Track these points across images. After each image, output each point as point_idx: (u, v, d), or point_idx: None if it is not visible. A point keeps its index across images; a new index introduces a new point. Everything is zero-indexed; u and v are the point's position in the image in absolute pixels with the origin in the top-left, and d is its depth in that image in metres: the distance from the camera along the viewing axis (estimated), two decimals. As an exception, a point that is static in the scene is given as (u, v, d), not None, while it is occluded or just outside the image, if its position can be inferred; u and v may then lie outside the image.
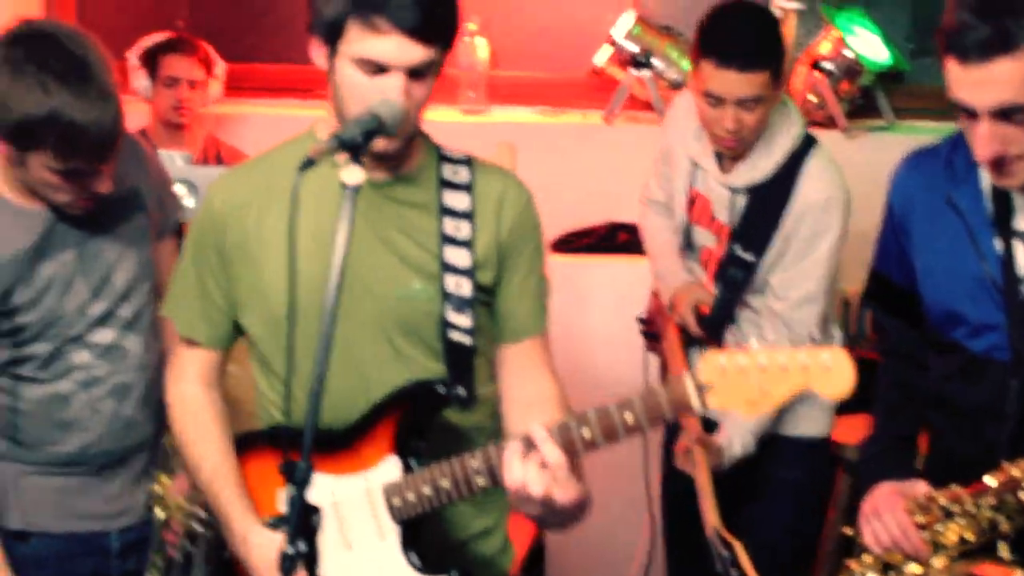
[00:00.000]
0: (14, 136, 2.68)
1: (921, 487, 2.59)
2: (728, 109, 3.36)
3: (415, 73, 2.34)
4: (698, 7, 5.01)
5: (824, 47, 4.92)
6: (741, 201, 3.51)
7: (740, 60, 3.31)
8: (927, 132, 4.86)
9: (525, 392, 2.55)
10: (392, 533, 2.40)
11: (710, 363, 2.13)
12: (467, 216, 2.49)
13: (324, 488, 2.39)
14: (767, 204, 3.46)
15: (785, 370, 2.09)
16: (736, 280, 3.51)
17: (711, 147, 3.54)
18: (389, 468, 2.41)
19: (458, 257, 2.46)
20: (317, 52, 2.43)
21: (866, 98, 5.05)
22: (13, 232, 2.83)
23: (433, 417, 2.44)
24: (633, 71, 5.01)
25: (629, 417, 2.20)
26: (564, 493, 2.25)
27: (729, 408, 2.14)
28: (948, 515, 2.54)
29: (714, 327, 3.55)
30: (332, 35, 2.35)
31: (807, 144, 3.50)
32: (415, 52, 2.32)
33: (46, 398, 2.91)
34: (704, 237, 3.62)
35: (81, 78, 2.65)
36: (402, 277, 2.46)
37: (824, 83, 4.87)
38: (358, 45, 2.32)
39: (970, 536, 2.52)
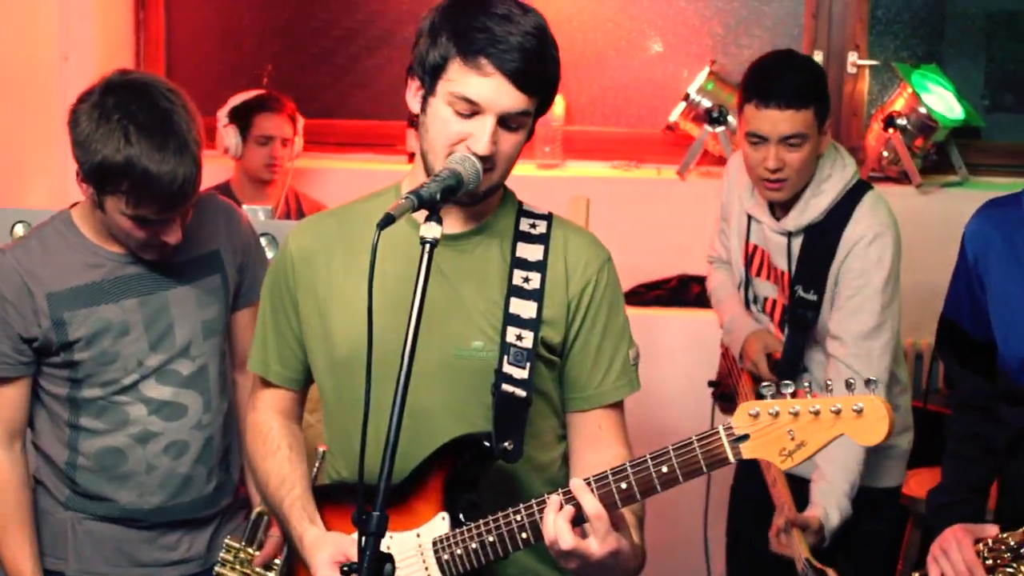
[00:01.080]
0: (93, 178, 2.77)
1: (992, 529, 2.57)
2: (771, 148, 3.41)
3: (507, 122, 2.34)
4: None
5: (899, 104, 4.94)
6: (797, 244, 3.53)
7: (780, 98, 3.38)
8: (1001, 188, 4.83)
9: (588, 463, 2.50)
10: None
11: (743, 413, 2.13)
12: (538, 267, 2.47)
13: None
14: (821, 243, 3.49)
15: (818, 418, 2.08)
16: (804, 322, 3.53)
17: (764, 198, 3.58)
18: (439, 523, 2.40)
19: (523, 308, 2.44)
20: (412, 94, 2.43)
21: (940, 154, 5.06)
22: (81, 267, 2.92)
23: (480, 471, 2.43)
24: (707, 127, 5.06)
25: (664, 469, 2.20)
26: (601, 546, 2.24)
27: (764, 458, 2.13)
28: (1017, 556, 2.51)
29: (787, 373, 3.54)
30: (433, 74, 2.36)
31: (861, 188, 3.53)
32: (511, 98, 2.31)
33: (103, 451, 2.96)
34: (765, 288, 3.66)
35: (162, 131, 2.74)
36: (464, 334, 2.44)
37: (898, 139, 4.89)
38: (457, 83, 2.32)
39: None
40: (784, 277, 3.57)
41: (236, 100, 5.04)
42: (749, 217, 3.65)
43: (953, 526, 2.61)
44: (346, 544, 2.39)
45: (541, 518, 2.28)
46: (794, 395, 2.11)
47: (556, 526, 2.24)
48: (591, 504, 2.23)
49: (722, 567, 4.30)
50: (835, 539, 3.47)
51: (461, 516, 2.40)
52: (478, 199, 2.41)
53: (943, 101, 4.96)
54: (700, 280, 4.62)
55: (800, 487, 3.46)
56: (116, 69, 2.88)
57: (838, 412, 2.07)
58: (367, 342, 2.12)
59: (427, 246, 2.16)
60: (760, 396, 2.13)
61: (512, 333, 2.43)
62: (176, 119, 2.77)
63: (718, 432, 2.15)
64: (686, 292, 4.85)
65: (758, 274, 3.66)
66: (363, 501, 2.07)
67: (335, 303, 2.49)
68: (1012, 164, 5.13)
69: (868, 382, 2.05)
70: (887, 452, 3.62)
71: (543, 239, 2.50)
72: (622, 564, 2.30)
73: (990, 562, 2.54)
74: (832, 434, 2.08)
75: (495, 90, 2.31)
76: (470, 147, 2.33)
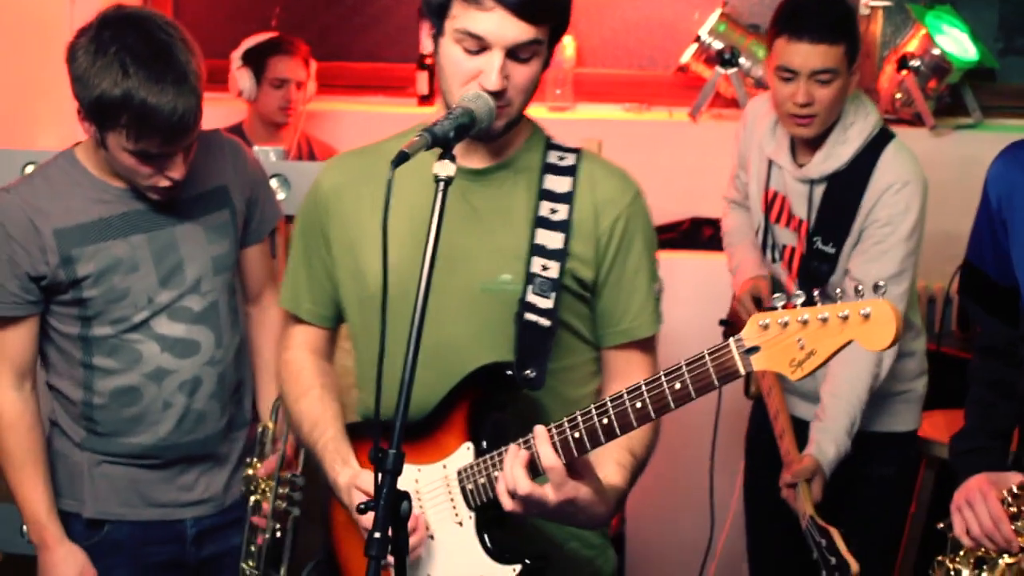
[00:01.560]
0: (92, 114, 2.75)
1: (1016, 477, 2.57)
2: (800, 83, 3.41)
3: (516, 54, 2.33)
4: (784, 5, 5.03)
5: (912, 45, 4.91)
6: (818, 192, 3.52)
7: (812, 32, 3.38)
8: (1015, 130, 4.84)
9: (612, 391, 2.47)
10: (469, 519, 2.41)
11: (754, 325, 2.10)
12: (566, 199, 2.46)
13: (407, 477, 2.37)
14: (844, 194, 3.48)
15: (826, 324, 2.04)
16: (820, 275, 3.52)
17: (786, 143, 3.57)
18: (464, 454, 2.42)
19: (550, 239, 2.44)
20: (426, 36, 2.42)
21: (954, 96, 5.03)
22: (88, 204, 2.90)
23: (504, 401, 2.43)
24: (719, 69, 5.03)
25: (677, 385, 2.19)
26: (556, 494, 2.25)
27: (775, 369, 2.10)
28: None
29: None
30: (439, 13, 2.36)
31: (884, 136, 3.52)
32: (516, 29, 2.30)
33: (118, 391, 2.96)
34: (785, 236, 3.64)
35: (160, 63, 2.71)
36: (492, 267, 2.45)
37: (912, 80, 4.85)
38: (461, 20, 2.32)
39: None
40: (803, 226, 3.56)
41: (250, 43, 5.02)
42: (770, 162, 3.62)
43: (977, 476, 2.61)
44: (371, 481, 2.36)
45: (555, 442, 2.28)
46: (804, 304, 2.08)
47: (512, 472, 2.26)
48: (546, 454, 2.25)
49: (728, 503, 4.32)
50: (841, 490, 3.50)
51: (485, 445, 2.40)
52: (499, 134, 2.41)
53: (957, 42, 4.92)
54: (712, 223, 4.62)
55: (806, 430, 3.49)
56: (114, 4, 2.85)
57: (846, 318, 2.03)
58: (384, 278, 2.11)
59: (441, 183, 2.15)
60: (771, 308, 2.10)
61: (537, 263, 2.43)
62: (174, 51, 2.74)
63: (729, 345, 2.13)
64: (698, 234, 4.85)
65: (777, 220, 3.64)
66: (379, 439, 2.07)
67: (365, 239, 2.49)
68: (1024, 106, 5.11)
69: (876, 287, 2.03)
70: (903, 396, 3.63)
71: (571, 171, 2.49)
72: (584, 511, 2.31)
73: (1014, 510, 2.54)
74: (841, 340, 2.04)
75: (498, 23, 2.30)
76: (481, 83, 2.32)
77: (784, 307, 2.08)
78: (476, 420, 2.43)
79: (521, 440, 2.31)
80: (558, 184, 2.48)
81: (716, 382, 2.16)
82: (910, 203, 3.42)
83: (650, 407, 2.22)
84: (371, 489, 2.33)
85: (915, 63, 4.87)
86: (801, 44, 3.39)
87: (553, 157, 2.51)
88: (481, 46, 2.33)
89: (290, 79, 4.94)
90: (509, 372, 2.40)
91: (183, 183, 2.87)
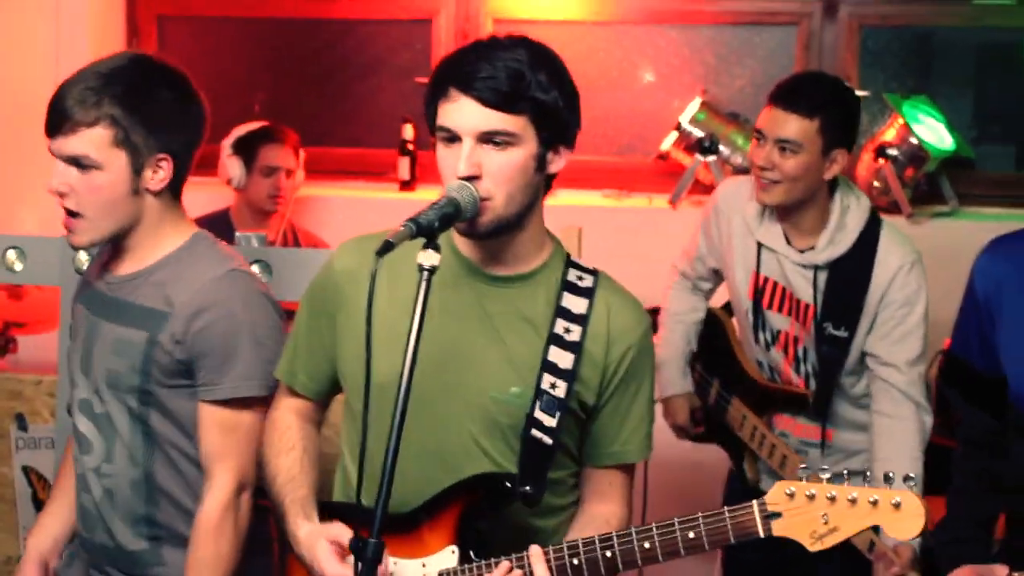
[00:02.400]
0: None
1: (1002, 570, 2.55)
2: (766, 147, 3.47)
3: (489, 140, 2.35)
4: (763, 94, 5.09)
5: (889, 134, 4.97)
6: (822, 278, 3.54)
7: (787, 101, 3.45)
8: (990, 219, 4.90)
9: (590, 515, 2.56)
10: None
11: (779, 491, 2.15)
12: (581, 321, 2.47)
13: (381, 568, 2.32)
14: (849, 277, 3.51)
15: (854, 505, 2.10)
16: (832, 359, 3.54)
17: (778, 228, 3.60)
18: (448, 556, 2.41)
19: (561, 358, 2.45)
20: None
21: (930, 184, 5.08)
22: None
23: (497, 511, 2.44)
24: (699, 156, 5.08)
25: (691, 535, 2.23)
26: None
27: (794, 537, 2.15)
28: None
29: (819, 413, 3.58)
30: (431, 120, 2.41)
31: (876, 219, 3.57)
32: (481, 116, 2.32)
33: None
34: (779, 321, 3.65)
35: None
36: (503, 379, 2.46)
37: (889, 169, 4.91)
38: (440, 117, 2.37)
39: None
40: (809, 310, 3.57)
41: (240, 131, 5.04)
42: (759, 247, 3.64)
43: (963, 568, 2.60)
44: (339, 532, 2.37)
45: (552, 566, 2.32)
46: (830, 479, 2.14)
47: None
48: (541, 574, 2.30)
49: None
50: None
51: (471, 553, 2.40)
52: (487, 231, 2.40)
53: (934, 132, 4.99)
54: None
55: None
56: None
57: (875, 503, 2.10)
58: (367, 368, 2.15)
59: (425, 273, 2.17)
60: (798, 477, 2.15)
61: (547, 380, 2.44)
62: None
63: (751, 507, 2.18)
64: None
65: (770, 307, 3.65)
66: (359, 526, 2.07)
67: (375, 328, 2.45)
68: (1001, 194, 5.15)
69: (906, 478, 2.09)
70: None
71: (588, 293, 2.51)
72: None
73: None
74: (866, 523, 2.12)
75: (463, 112, 2.34)
76: (455, 172, 2.34)
77: (809, 479, 2.14)
78: (466, 525, 2.42)
79: (515, 556, 2.33)
80: (575, 304, 2.49)
81: (732, 538, 2.21)
82: (920, 282, 3.50)
83: (658, 550, 2.26)
84: (338, 536, 2.33)
85: (892, 152, 4.93)
86: (774, 110, 3.47)
87: (572, 275, 2.53)
88: (453, 138, 2.36)
89: (280, 167, 4.95)
90: (508, 484, 2.41)
91: (130, 282, 2.78)
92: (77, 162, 2.69)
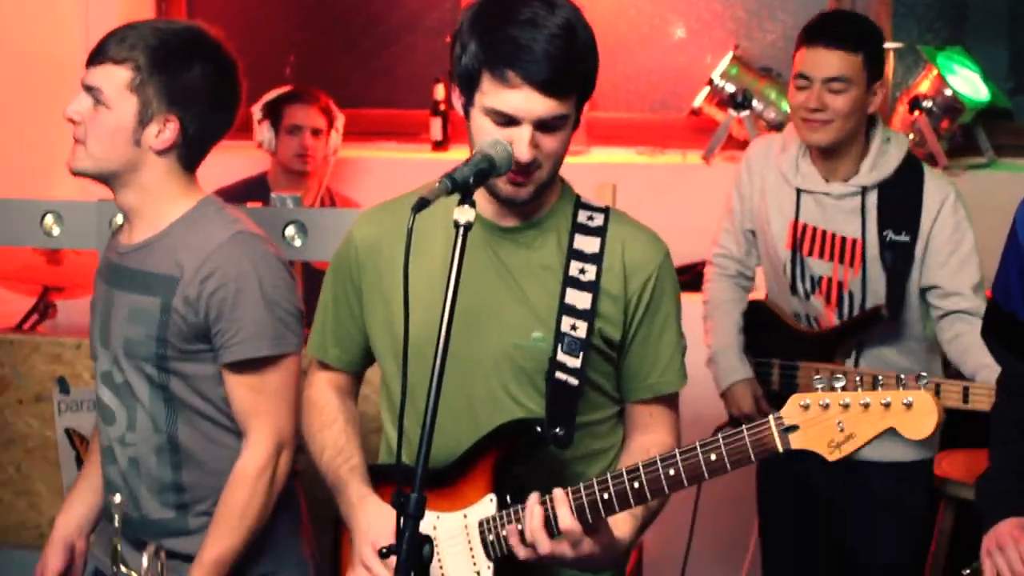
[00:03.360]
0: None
1: None
2: (814, 89, 3.47)
3: (545, 126, 2.36)
4: (794, 48, 5.07)
5: (924, 86, 4.93)
6: (871, 199, 3.57)
7: (828, 37, 3.46)
8: (1026, 169, 4.87)
9: (633, 448, 2.58)
10: (487, 569, 2.44)
11: (794, 404, 2.16)
12: (594, 259, 2.49)
13: (427, 523, 2.38)
14: (902, 192, 3.56)
15: (867, 409, 2.11)
16: (898, 264, 3.56)
17: (814, 171, 3.61)
18: (487, 505, 2.44)
19: (579, 299, 2.47)
20: (456, 99, 2.47)
21: (966, 136, 5.05)
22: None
23: (530, 456, 2.46)
24: (732, 111, 5.06)
25: (713, 457, 2.24)
26: (574, 551, 2.32)
27: (813, 449, 2.15)
28: None
29: (894, 311, 3.57)
30: (468, 86, 2.40)
31: (915, 158, 3.64)
32: (544, 105, 2.34)
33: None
34: (819, 267, 3.65)
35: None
36: (524, 325, 2.48)
37: (924, 121, 4.88)
38: (490, 97, 2.36)
39: None
40: (856, 246, 3.58)
41: (269, 96, 5.08)
42: (798, 194, 3.64)
43: (1007, 520, 2.60)
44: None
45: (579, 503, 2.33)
46: (844, 388, 2.14)
47: (534, 535, 2.32)
48: (563, 517, 2.31)
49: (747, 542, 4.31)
50: (870, 522, 3.54)
51: (508, 499, 2.43)
52: (527, 201, 2.44)
53: (969, 83, 4.95)
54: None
55: (856, 470, 3.46)
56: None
57: (888, 405, 2.11)
58: (405, 325, 2.17)
59: (461, 229, 2.18)
60: (812, 388, 2.16)
61: (567, 323, 2.46)
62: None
63: (768, 421, 2.19)
64: (713, 277, 4.86)
65: (810, 253, 3.65)
66: (401, 483, 2.09)
67: (400, 291, 2.45)
68: (1038, 145, 5.13)
69: (919, 377, 2.09)
70: None
71: (600, 232, 2.52)
72: (595, 562, 2.39)
73: None
74: (881, 427, 2.12)
75: (526, 101, 2.34)
76: (513, 155, 2.35)
77: (823, 389, 2.14)
78: (501, 473, 2.45)
79: (546, 497, 2.34)
80: (587, 244, 2.51)
81: (752, 457, 2.22)
82: (966, 213, 3.56)
83: (683, 475, 2.27)
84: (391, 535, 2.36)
85: (927, 104, 4.89)
86: (817, 49, 3.46)
87: (583, 216, 2.54)
88: (510, 120, 2.36)
89: (304, 125, 4.98)
90: (539, 429, 2.44)
91: (141, 250, 2.79)
92: (93, 94, 2.73)
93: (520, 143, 2.35)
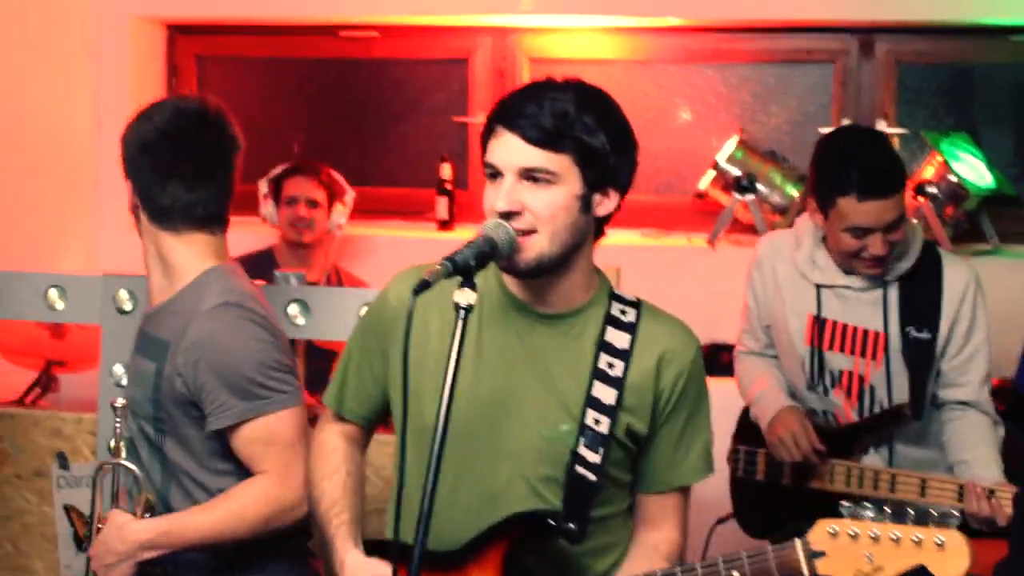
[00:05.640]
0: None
1: None
2: (877, 237, 3.44)
3: (529, 176, 2.35)
4: (800, 132, 5.10)
5: (928, 172, 4.94)
6: (893, 293, 3.57)
7: (881, 189, 3.41)
8: (1032, 256, 4.87)
9: (641, 540, 2.55)
10: None
11: (821, 529, 2.15)
12: (624, 355, 2.47)
13: None
14: (923, 285, 3.56)
15: (898, 544, 2.10)
16: (919, 363, 3.55)
17: (833, 265, 3.60)
18: None
19: (605, 394, 2.45)
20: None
21: (971, 222, 5.05)
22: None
23: (541, 548, 2.44)
24: (737, 195, 5.07)
25: (735, 574, 2.23)
26: None
27: None
28: None
29: (918, 411, 3.56)
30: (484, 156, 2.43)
31: (930, 243, 3.67)
32: (524, 153, 2.33)
33: None
34: (840, 361, 3.64)
35: None
36: (552, 416, 2.46)
37: (929, 207, 4.88)
38: (487, 154, 2.39)
39: None
40: (879, 339, 3.57)
41: (275, 171, 5.15)
42: (818, 289, 3.64)
43: None
44: (385, 572, 2.37)
45: None
46: (873, 519, 2.14)
47: None
48: None
49: None
50: None
51: None
52: (529, 269, 2.39)
53: (973, 169, 4.96)
54: (731, 349, 4.60)
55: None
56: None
57: (919, 542, 2.11)
58: (404, 406, 2.16)
59: (461, 311, 2.17)
60: (838, 514, 2.16)
61: (591, 416, 2.44)
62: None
63: (794, 545, 2.18)
64: (718, 360, 4.84)
65: (831, 347, 3.64)
66: (397, 567, 2.07)
67: (427, 365, 2.48)
68: (1043, 232, 5.13)
69: (950, 515, 2.07)
70: None
71: (631, 328, 2.50)
72: None
73: None
74: (910, 563, 2.11)
75: (506, 147, 2.35)
76: (494, 207, 2.35)
77: (851, 517, 2.14)
78: (511, 563, 2.42)
79: None
80: (618, 339, 2.49)
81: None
82: (982, 301, 3.58)
83: None
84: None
85: (932, 190, 4.90)
86: (872, 203, 3.40)
87: (616, 310, 2.52)
88: (496, 173, 2.37)
89: (299, 196, 5.04)
90: (552, 522, 2.41)
91: (154, 316, 2.91)
92: None
93: (499, 192, 2.35)
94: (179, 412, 2.80)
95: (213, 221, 2.89)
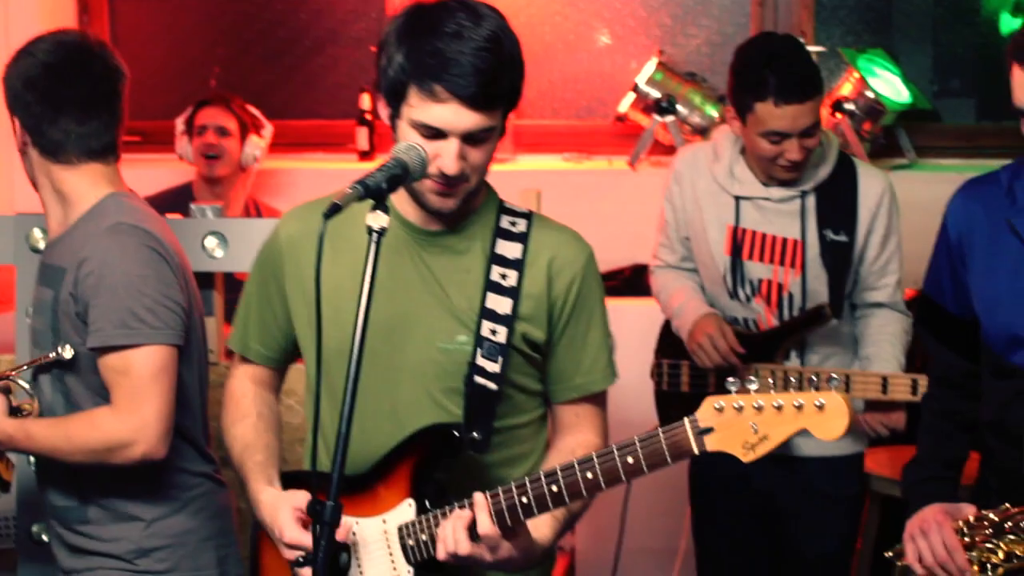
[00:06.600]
0: None
1: (970, 508, 2.59)
2: (793, 142, 3.50)
3: (472, 138, 2.37)
4: (719, 53, 5.11)
5: (846, 88, 4.98)
6: (811, 201, 3.64)
7: (797, 93, 3.46)
8: (948, 169, 4.94)
9: (560, 448, 2.58)
10: (408, 573, 2.43)
11: (708, 407, 2.18)
12: (516, 265, 2.50)
13: (345, 528, 2.40)
14: (839, 192, 3.64)
15: (780, 411, 2.13)
16: (837, 264, 3.63)
17: (751, 177, 3.66)
18: (405, 510, 2.44)
19: (500, 304, 2.48)
20: (382, 110, 2.47)
21: (888, 137, 5.10)
22: None
23: (448, 461, 2.46)
24: (657, 117, 5.08)
25: (630, 460, 2.24)
26: (493, 555, 2.32)
27: (728, 451, 2.17)
28: (997, 532, 2.52)
29: (836, 310, 3.63)
30: (394, 98, 2.40)
31: (845, 154, 3.72)
32: (472, 119, 2.35)
33: None
34: (759, 270, 3.69)
35: None
36: (448, 329, 2.48)
37: (846, 123, 4.92)
38: (417, 111, 2.36)
39: (1020, 551, 2.49)
40: (798, 247, 3.63)
41: (189, 109, 5.08)
42: (737, 201, 3.68)
43: (931, 506, 2.63)
44: (302, 500, 2.39)
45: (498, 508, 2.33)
46: (757, 389, 2.16)
47: (454, 533, 2.32)
48: (482, 522, 2.31)
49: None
50: (803, 512, 3.68)
51: (427, 503, 2.43)
52: (453, 212, 2.45)
53: (890, 85, 5.00)
54: (653, 268, 4.64)
55: (792, 465, 3.61)
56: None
57: (800, 407, 2.13)
58: (318, 330, 2.16)
59: (374, 235, 2.17)
60: (725, 390, 2.18)
61: (487, 327, 2.47)
62: None
63: (683, 424, 2.20)
64: (641, 281, 4.85)
65: (750, 256, 3.69)
66: (316, 491, 2.08)
67: (323, 293, 2.45)
68: (960, 146, 5.18)
69: (830, 378, 2.11)
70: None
71: (522, 238, 2.53)
72: (514, 564, 2.39)
73: (968, 540, 2.55)
74: (793, 428, 2.14)
75: (453, 115, 2.35)
76: (440, 167, 2.36)
77: (737, 392, 2.17)
78: (420, 478, 2.45)
79: (466, 502, 2.34)
80: (509, 250, 2.52)
81: (669, 459, 2.23)
82: (895, 208, 3.67)
83: (601, 479, 2.27)
84: (302, 505, 2.36)
85: (849, 106, 4.94)
86: (790, 107, 3.46)
87: (505, 222, 2.55)
88: (437, 134, 2.36)
89: (208, 124, 4.97)
90: (455, 433, 2.43)
91: (53, 246, 2.88)
92: None
93: (447, 156, 2.36)
94: (76, 338, 2.78)
95: (107, 151, 2.87)
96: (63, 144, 2.81)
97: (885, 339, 3.65)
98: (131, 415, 2.72)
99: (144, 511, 2.85)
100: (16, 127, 2.86)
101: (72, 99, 2.81)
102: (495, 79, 2.35)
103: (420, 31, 2.37)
